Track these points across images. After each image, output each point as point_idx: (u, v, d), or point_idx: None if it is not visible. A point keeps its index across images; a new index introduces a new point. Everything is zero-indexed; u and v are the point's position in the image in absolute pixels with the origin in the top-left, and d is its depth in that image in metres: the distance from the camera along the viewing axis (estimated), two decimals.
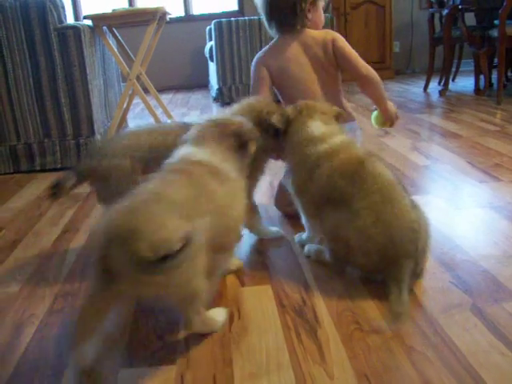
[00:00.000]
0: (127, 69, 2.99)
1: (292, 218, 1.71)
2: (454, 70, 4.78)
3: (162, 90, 5.80)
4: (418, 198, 1.76)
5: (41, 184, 2.40)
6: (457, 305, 1.16)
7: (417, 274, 1.25)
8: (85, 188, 1.62)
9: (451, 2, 4.07)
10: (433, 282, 1.27)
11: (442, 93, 4.25)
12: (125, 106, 3.11)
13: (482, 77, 4.12)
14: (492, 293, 1.20)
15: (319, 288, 1.28)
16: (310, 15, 1.66)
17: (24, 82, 2.51)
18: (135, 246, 0.89)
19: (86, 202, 2.06)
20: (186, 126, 1.45)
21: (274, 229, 1.62)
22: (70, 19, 5.88)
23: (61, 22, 2.49)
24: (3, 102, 2.53)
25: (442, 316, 1.12)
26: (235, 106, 1.48)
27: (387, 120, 1.69)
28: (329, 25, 4.16)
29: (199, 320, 1.07)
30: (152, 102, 3.25)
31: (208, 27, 5.13)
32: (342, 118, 1.48)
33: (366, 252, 1.23)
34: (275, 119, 1.38)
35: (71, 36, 2.47)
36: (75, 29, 2.47)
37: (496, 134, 2.74)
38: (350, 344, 1.05)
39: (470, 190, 1.92)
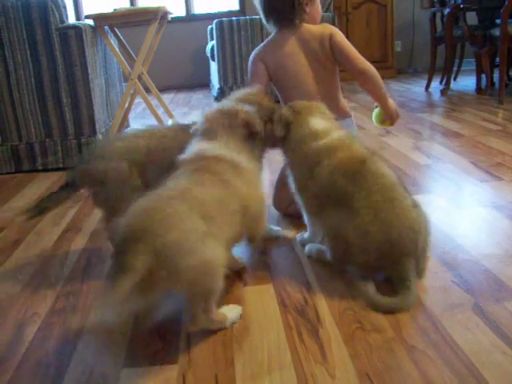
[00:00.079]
0: (129, 68, 2.99)
1: (292, 218, 1.71)
2: (455, 69, 4.77)
3: (163, 89, 5.80)
4: (420, 198, 1.77)
5: (42, 184, 2.40)
6: (458, 304, 1.16)
7: (419, 274, 1.25)
8: None
9: (453, 1, 4.06)
10: (434, 281, 1.27)
11: (443, 92, 4.24)
12: (126, 105, 3.12)
13: (483, 76, 4.11)
14: (494, 292, 1.19)
15: (321, 287, 1.28)
16: (307, 9, 1.65)
17: (26, 82, 2.51)
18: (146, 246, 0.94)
19: (87, 202, 2.06)
20: (182, 129, 1.45)
21: (276, 228, 1.61)
22: (71, 19, 5.87)
23: (62, 21, 2.49)
24: (5, 101, 2.53)
25: (444, 315, 1.12)
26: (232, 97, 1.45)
27: (388, 118, 1.68)
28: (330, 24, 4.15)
29: (207, 318, 1.08)
30: (153, 102, 3.26)
31: (209, 27, 5.12)
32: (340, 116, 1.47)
33: (365, 250, 1.23)
34: (277, 130, 1.38)
35: (73, 36, 2.47)
36: (77, 28, 2.48)
37: (498, 134, 2.74)
38: (352, 343, 1.05)
39: (472, 189, 1.92)
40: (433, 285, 1.25)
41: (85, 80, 2.54)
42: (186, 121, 2.98)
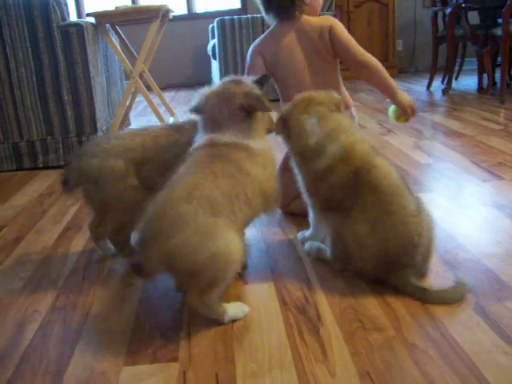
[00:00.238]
0: (130, 66, 2.99)
1: (293, 216, 1.71)
2: (457, 68, 4.76)
3: (164, 87, 5.79)
4: (421, 197, 1.76)
5: (43, 181, 2.40)
6: (459, 303, 1.16)
7: (421, 274, 1.25)
8: None
9: (454, 1, 4.05)
10: (436, 280, 1.26)
11: (445, 91, 4.24)
12: (127, 103, 3.11)
13: (485, 75, 4.11)
14: (495, 291, 1.19)
15: (322, 286, 1.28)
16: (307, 0, 1.64)
17: (27, 80, 2.51)
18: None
19: None
20: (176, 128, 1.45)
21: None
22: (72, 17, 5.87)
23: (64, 19, 2.49)
24: (6, 99, 2.53)
25: (445, 314, 1.12)
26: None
27: (401, 112, 1.58)
28: None
29: (202, 301, 1.09)
30: (155, 100, 3.25)
31: (211, 25, 5.12)
32: (344, 104, 1.39)
33: (363, 259, 1.23)
34: (277, 129, 1.35)
35: (74, 34, 2.47)
36: (78, 26, 2.48)
37: (499, 133, 2.73)
38: (353, 342, 1.05)
39: (473, 188, 1.91)
40: (434, 284, 1.25)
41: (86, 78, 2.54)
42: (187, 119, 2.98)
